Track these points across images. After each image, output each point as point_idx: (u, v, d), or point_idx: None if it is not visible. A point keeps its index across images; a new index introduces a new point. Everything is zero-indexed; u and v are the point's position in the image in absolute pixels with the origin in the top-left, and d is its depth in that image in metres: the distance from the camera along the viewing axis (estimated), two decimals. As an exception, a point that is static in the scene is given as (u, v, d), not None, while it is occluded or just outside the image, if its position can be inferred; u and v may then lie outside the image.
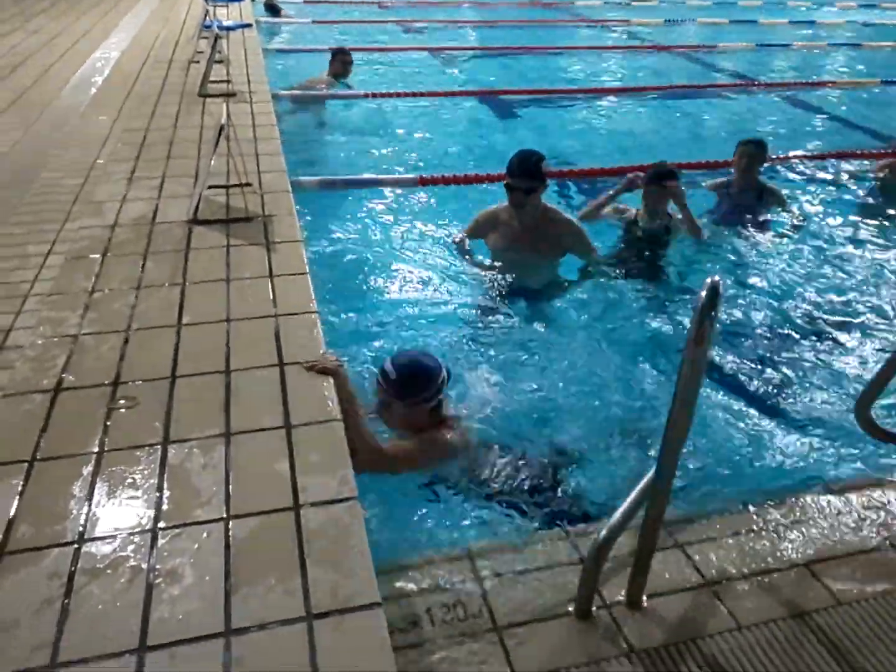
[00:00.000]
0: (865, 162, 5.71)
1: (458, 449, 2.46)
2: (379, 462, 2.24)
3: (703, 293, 1.41)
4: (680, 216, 4.14)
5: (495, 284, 3.77)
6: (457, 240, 4.13)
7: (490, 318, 3.56)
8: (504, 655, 1.68)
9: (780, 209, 4.62)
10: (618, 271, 3.99)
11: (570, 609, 1.80)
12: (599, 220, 4.29)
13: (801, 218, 4.64)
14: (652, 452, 2.63)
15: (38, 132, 4.59)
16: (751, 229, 4.40)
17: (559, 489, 2.48)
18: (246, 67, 6.05)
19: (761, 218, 4.52)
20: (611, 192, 4.27)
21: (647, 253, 4.10)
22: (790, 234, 4.49)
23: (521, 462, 2.53)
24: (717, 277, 1.43)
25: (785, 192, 4.81)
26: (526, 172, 3.63)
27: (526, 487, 2.45)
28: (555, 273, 3.92)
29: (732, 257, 4.21)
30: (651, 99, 7.97)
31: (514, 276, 3.79)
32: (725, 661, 1.67)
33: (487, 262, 3.94)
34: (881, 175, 5.22)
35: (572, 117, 7.42)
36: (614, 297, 3.81)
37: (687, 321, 3.51)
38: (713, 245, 4.28)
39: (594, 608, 1.79)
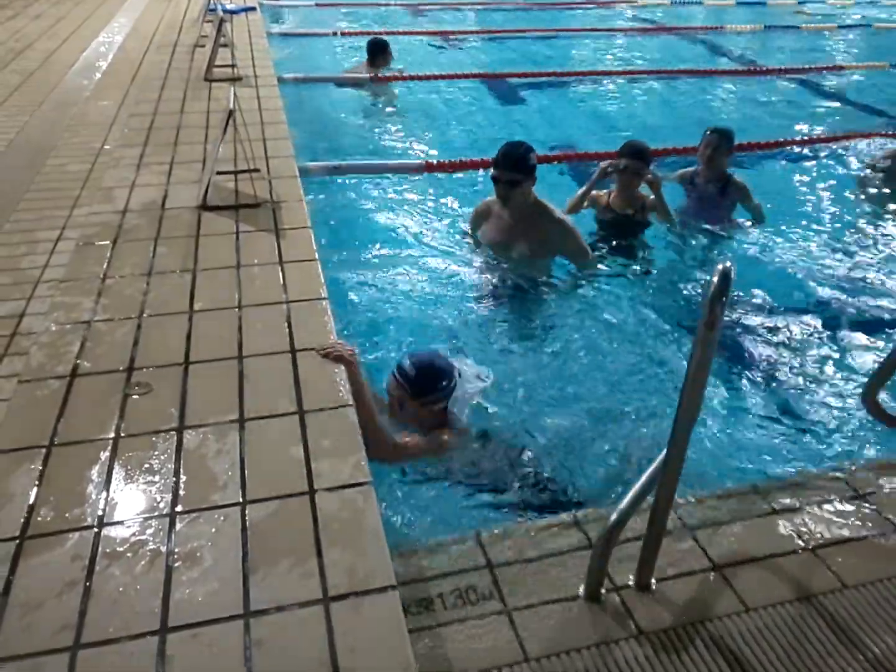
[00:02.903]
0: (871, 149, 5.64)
1: (459, 448, 2.50)
2: (387, 452, 2.26)
3: (715, 279, 1.41)
4: (652, 197, 4.07)
5: (489, 278, 3.69)
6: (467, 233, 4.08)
7: (485, 311, 3.52)
8: (515, 637, 1.71)
9: (743, 203, 4.44)
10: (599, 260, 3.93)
11: (580, 592, 1.82)
12: (585, 209, 4.23)
13: (763, 213, 4.46)
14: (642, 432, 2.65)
15: (43, 118, 4.58)
16: (715, 222, 4.28)
17: (557, 480, 2.50)
18: (251, 51, 6.03)
19: (725, 211, 4.40)
20: (588, 184, 4.16)
21: (621, 238, 4.03)
22: (757, 226, 4.39)
23: (520, 455, 2.55)
24: (728, 263, 1.43)
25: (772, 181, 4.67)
26: (511, 164, 3.50)
27: (529, 480, 2.48)
28: (549, 271, 3.81)
29: (703, 248, 4.13)
30: (658, 82, 7.90)
31: (506, 270, 3.70)
32: (733, 642, 1.69)
33: (484, 256, 3.85)
34: (888, 163, 5.13)
35: (579, 100, 7.36)
36: (604, 287, 3.77)
37: (667, 307, 3.55)
38: (685, 235, 4.20)
39: (604, 591, 1.81)
